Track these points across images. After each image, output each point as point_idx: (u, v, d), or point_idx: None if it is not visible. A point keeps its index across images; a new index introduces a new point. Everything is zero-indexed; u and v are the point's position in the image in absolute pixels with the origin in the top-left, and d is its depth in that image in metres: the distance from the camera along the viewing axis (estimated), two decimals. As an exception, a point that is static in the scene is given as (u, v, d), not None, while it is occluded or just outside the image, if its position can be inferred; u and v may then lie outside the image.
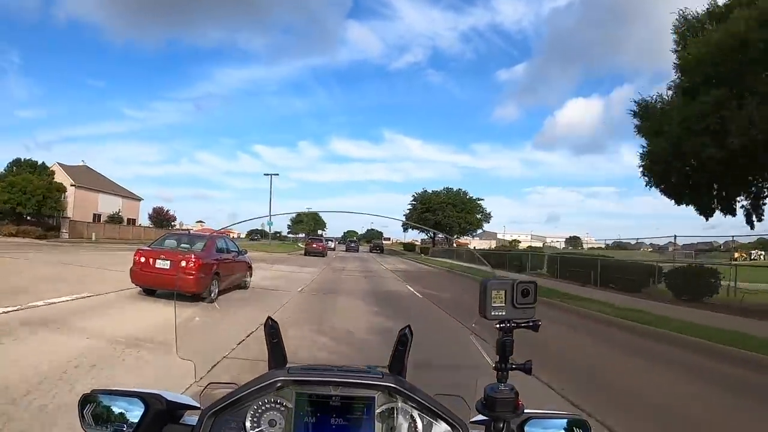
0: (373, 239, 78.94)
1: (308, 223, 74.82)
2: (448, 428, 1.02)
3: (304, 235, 78.81)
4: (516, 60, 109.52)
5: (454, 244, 55.53)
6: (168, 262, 8.57)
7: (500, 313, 0.93)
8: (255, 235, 78.62)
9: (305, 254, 33.17)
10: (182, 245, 9.45)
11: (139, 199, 51.82)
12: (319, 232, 72.73)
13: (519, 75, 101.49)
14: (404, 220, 57.04)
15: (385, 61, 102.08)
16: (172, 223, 52.45)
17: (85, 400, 0.98)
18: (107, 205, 44.86)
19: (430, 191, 58.91)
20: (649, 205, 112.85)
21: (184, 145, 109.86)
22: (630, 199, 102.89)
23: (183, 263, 8.51)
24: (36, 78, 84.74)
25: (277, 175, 38.99)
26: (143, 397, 1.00)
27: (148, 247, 9.47)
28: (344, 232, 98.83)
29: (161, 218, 51.52)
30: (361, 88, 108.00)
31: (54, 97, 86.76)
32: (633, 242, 26.52)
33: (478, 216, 58.00)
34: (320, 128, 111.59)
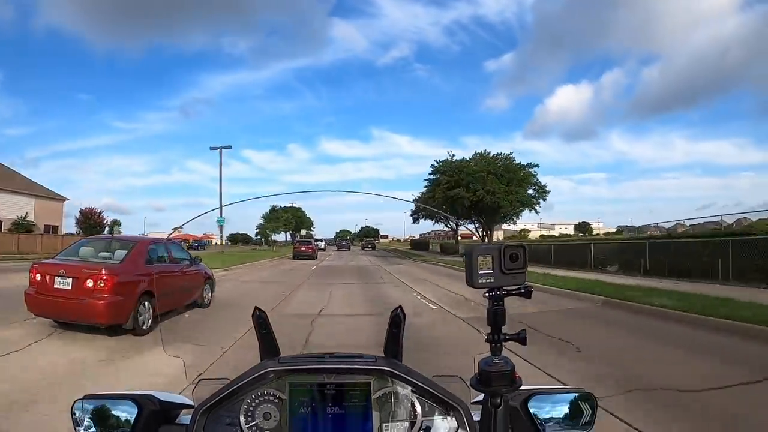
0: (365, 237, 76.93)
1: (288, 221, 63.71)
2: (449, 410, 1.01)
3: (291, 237, 70.39)
4: (502, 50, 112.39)
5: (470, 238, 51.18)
6: (69, 280, 6.03)
7: (488, 281, 0.87)
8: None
9: (294, 257, 31.94)
10: (99, 255, 6.81)
11: (61, 199, 41.08)
12: (304, 231, 67.91)
13: (506, 65, 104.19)
14: (415, 203, 42.42)
15: (370, 59, 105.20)
16: (117, 228, 42.56)
17: (78, 406, 0.98)
18: (11, 208, 34.88)
19: (459, 159, 38.36)
20: (640, 188, 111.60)
21: (174, 155, 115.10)
22: (620, 185, 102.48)
23: (89, 282, 5.93)
24: (20, 95, 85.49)
25: (230, 147, 30.97)
26: (136, 399, 1.00)
27: (52, 259, 6.86)
28: (337, 232, 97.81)
29: (91, 223, 40.48)
30: (348, 88, 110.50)
31: (40, 113, 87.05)
32: (669, 224, 23.62)
33: (530, 191, 37.03)
34: (309, 130, 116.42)
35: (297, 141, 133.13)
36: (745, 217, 18.89)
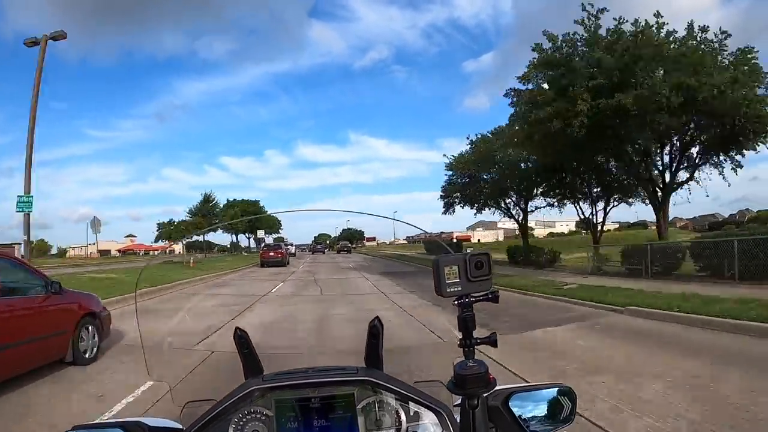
0: (341, 241, 74.13)
1: (235, 217, 49.91)
2: (432, 414, 1.06)
3: (257, 242, 58.42)
4: (478, 51, 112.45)
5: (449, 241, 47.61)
6: None
7: (456, 289, 0.92)
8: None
9: (261, 265, 27.95)
10: None
11: None
12: (263, 233, 56.34)
13: (483, 66, 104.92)
14: (452, 176, 28.49)
15: (346, 63, 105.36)
16: None
17: None
18: None
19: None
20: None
21: (151, 163, 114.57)
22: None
23: None
24: None
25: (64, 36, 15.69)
26: (124, 426, 1.00)
27: None
28: (315, 237, 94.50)
29: None
30: (324, 92, 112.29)
31: (12, 123, 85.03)
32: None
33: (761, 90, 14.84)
34: (286, 135, 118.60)
35: (275, 147, 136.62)
36: None
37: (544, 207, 26.59)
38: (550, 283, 13.43)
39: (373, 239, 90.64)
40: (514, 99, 17.94)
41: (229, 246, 61.10)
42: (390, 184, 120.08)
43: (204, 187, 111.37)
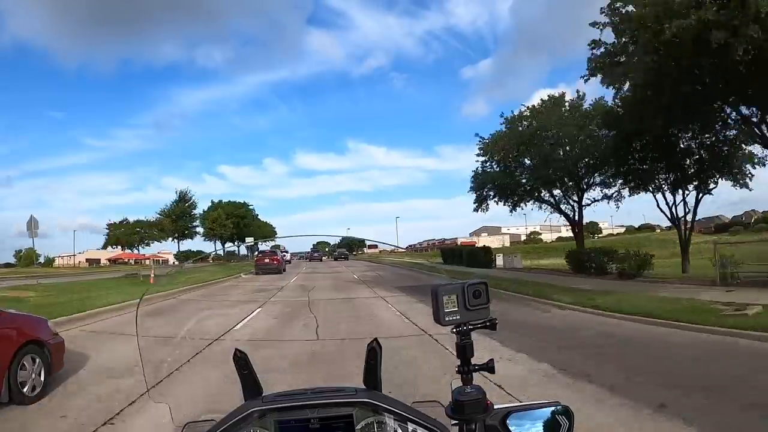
0: (338, 248, 73.16)
1: (220, 223, 46.49)
2: None
3: (249, 249, 54.69)
4: (475, 58, 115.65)
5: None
6: None
7: (455, 318, 0.96)
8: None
9: (256, 272, 27.50)
10: None
11: None
12: (251, 240, 53.64)
13: (480, 73, 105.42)
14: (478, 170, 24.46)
15: (344, 72, 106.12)
16: None
17: None
18: None
19: None
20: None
21: (149, 172, 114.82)
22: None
23: None
24: None
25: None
26: None
27: None
28: (314, 244, 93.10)
29: None
30: (322, 101, 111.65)
31: (11, 132, 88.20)
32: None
33: None
34: (284, 144, 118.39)
35: (273, 155, 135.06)
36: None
37: (600, 200, 22.07)
38: (691, 303, 9.20)
39: (375, 247, 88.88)
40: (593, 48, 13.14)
41: (215, 253, 57.14)
42: (389, 192, 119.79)
43: (203, 196, 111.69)
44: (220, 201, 50.04)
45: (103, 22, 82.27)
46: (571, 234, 26.84)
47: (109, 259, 73.27)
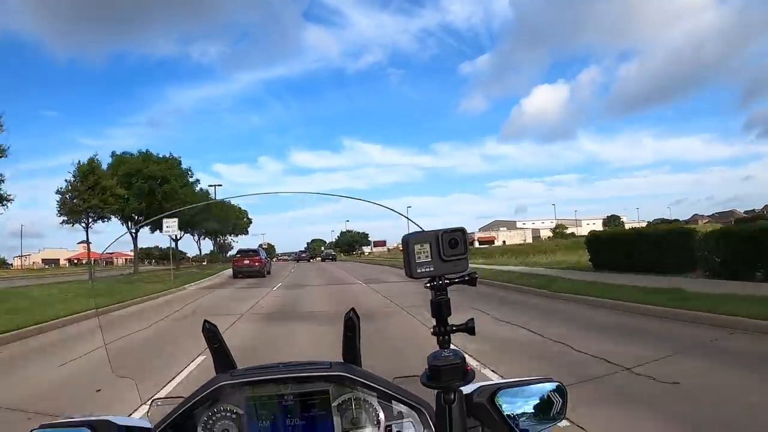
0: (325, 249, 65.84)
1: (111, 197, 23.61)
2: (413, 412, 1.02)
3: (216, 246, 44.64)
4: (470, 55, 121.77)
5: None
6: None
7: (428, 269, 0.85)
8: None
9: (234, 275, 23.18)
10: None
11: None
12: (234, 237, 43.08)
13: (476, 71, 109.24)
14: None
15: (339, 69, 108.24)
16: None
17: None
18: None
19: None
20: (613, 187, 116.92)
21: None
22: (591, 184, 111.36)
23: None
24: None
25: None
26: (92, 425, 0.94)
27: None
28: (307, 242, 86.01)
29: None
30: (317, 98, 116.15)
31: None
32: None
33: None
34: (279, 142, 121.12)
35: (268, 153, 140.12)
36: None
37: None
38: None
39: (383, 243, 77.25)
40: None
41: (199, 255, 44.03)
42: (384, 189, 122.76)
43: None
44: (131, 154, 28.47)
45: (95, 20, 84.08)
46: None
47: (69, 259, 65.03)
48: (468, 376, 0.85)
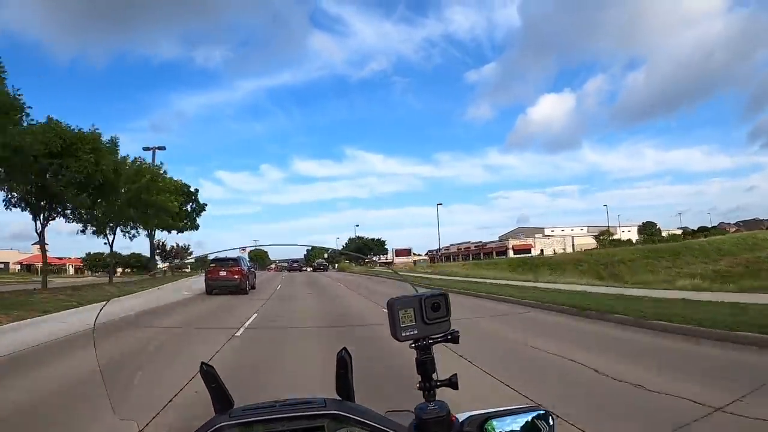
0: (316, 259, 58.97)
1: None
2: None
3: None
4: (474, 64, 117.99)
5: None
6: None
7: (412, 333, 0.94)
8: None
9: (207, 291, 17.93)
10: None
11: None
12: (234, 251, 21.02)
13: (481, 80, 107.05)
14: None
15: (342, 78, 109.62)
16: None
17: None
18: None
19: None
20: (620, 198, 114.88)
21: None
22: (593, 195, 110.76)
23: None
24: None
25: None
26: None
27: None
28: (308, 250, 78.18)
29: None
30: (320, 107, 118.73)
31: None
32: None
33: None
34: (281, 150, 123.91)
35: (270, 161, 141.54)
36: None
37: None
38: None
39: (407, 253, 66.05)
40: None
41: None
42: (386, 198, 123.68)
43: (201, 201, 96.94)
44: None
45: (100, 24, 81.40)
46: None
47: (21, 262, 56.67)
48: (453, 426, 0.92)
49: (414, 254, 69.49)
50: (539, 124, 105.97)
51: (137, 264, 48.74)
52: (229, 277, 17.73)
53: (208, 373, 1.07)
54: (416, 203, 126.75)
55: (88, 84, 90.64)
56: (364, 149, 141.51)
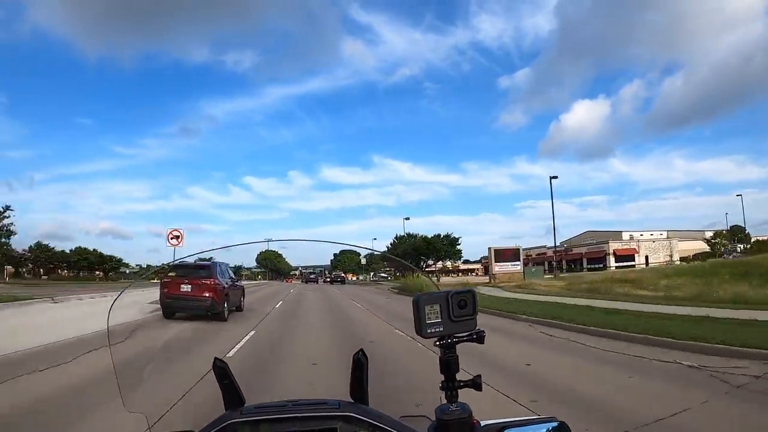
0: (333, 271, 55.70)
1: None
2: None
3: None
4: (504, 71, 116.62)
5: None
6: None
7: (437, 330, 0.93)
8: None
9: (165, 314, 12.35)
10: None
11: None
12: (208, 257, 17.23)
13: (514, 86, 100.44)
14: None
15: (371, 86, 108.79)
16: None
17: None
18: None
19: None
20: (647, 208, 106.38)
21: (175, 181, 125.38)
22: (623, 206, 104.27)
23: None
24: (25, 118, 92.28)
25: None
26: None
27: None
28: (335, 254, 74.40)
29: None
30: (349, 115, 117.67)
31: (41, 137, 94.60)
32: None
33: None
34: (309, 157, 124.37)
35: (298, 168, 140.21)
36: None
37: None
38: None
39: (513, 254, 37.44)
40: None
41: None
42: (413, 206, 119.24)
43: (228, 206, 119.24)
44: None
45: (133, 31, 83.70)
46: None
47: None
48: (475, 429, 0.91)
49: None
50: (572, 132, 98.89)
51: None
52: (197, 295, 12.06)
53: (221, 369, 1.08)
54: (443, 212, 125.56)
55: (118, 88, 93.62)
56: (392, 157, 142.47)
